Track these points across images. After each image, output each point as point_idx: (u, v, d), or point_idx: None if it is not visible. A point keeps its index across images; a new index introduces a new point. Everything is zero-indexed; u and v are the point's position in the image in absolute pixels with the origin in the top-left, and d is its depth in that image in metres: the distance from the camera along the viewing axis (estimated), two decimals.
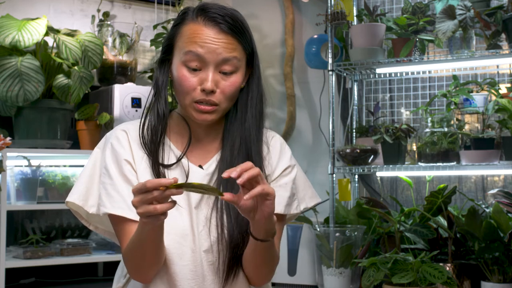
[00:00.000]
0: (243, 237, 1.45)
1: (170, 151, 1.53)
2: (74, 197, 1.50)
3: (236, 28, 1.45)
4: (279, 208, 1.49)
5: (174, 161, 1.51)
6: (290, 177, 1.56)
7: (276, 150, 1.58)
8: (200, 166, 1.52)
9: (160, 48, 1.60)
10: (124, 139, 1.51)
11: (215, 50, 1.42)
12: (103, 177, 1.49)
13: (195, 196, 1.48)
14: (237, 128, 1.52)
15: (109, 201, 1.45)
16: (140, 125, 1.52)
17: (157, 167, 1.49)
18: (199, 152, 1.54)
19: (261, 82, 1.54)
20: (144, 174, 1.48)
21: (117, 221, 1.46)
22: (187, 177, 1.50)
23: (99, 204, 1.47)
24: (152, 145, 1.50)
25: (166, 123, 1.52)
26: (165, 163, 1.51)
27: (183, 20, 1.49)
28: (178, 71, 1.46)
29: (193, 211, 1.47)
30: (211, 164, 1.53)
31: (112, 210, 1.44)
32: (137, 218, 1.42)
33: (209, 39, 1.43)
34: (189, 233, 1.46)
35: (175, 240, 1.44)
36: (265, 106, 1.55)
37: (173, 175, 1.50)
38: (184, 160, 1.52)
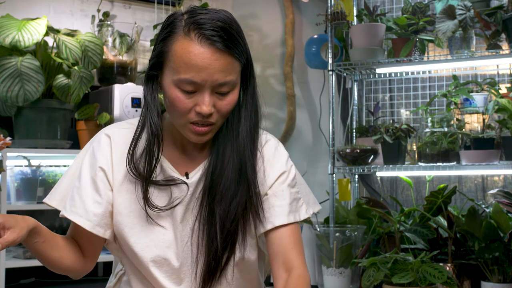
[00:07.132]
0: (225, 248, 1.40)
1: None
2: (55, 203, 1.47)
3: (232, 43, 1.32)
4: (280, 219, 1.41)
5: (159, 169, 1.43)
6: (286, 183, 1.47)
7: (268, 157, 1.48)
8: (186, 174, 1.45)
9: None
10: (106, 145, 1.45)
11: (212, 74, 1.30)
12: (75, 179, 1.46)
13: (180, 211, 1.42)
14: (229, 140, 1.42)
15: (70, 204, 1.42)
16: (130, 149, 1.41)
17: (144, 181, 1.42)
18: (185, 159, 1.47)
19: (256, 94, 1.44)
20: (123, 183, 1.43)
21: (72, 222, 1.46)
22: (171, 186, 1.43)
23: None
24: (147, 170, 1.40)
25: (161, 141, 1.41)
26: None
27: (172, 34, 1.33)
28: (171, 92, 1.33)
29: (179, 226, 1.42)
30: (197, 171, 1.45)
31: (70, 215, 1.41)
32: (90, 228, 1.41)
33: (205, 61, 1.29)
34: (173, 247, 1.42)
35: (157, 254, 1.41)
36: (260, 119, 1.45)
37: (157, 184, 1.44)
38: (170, 169, 1.44)
